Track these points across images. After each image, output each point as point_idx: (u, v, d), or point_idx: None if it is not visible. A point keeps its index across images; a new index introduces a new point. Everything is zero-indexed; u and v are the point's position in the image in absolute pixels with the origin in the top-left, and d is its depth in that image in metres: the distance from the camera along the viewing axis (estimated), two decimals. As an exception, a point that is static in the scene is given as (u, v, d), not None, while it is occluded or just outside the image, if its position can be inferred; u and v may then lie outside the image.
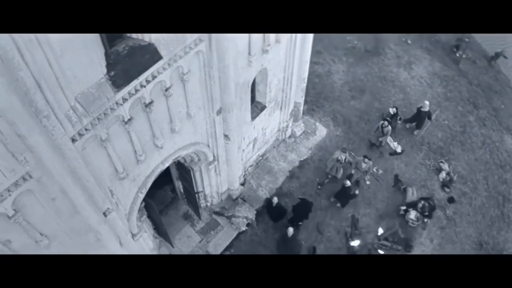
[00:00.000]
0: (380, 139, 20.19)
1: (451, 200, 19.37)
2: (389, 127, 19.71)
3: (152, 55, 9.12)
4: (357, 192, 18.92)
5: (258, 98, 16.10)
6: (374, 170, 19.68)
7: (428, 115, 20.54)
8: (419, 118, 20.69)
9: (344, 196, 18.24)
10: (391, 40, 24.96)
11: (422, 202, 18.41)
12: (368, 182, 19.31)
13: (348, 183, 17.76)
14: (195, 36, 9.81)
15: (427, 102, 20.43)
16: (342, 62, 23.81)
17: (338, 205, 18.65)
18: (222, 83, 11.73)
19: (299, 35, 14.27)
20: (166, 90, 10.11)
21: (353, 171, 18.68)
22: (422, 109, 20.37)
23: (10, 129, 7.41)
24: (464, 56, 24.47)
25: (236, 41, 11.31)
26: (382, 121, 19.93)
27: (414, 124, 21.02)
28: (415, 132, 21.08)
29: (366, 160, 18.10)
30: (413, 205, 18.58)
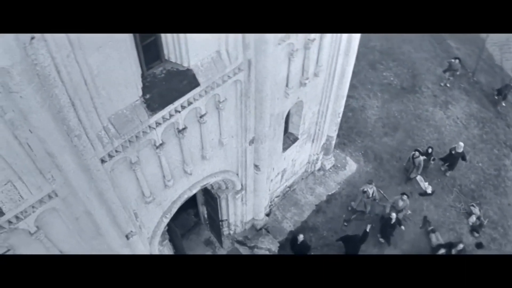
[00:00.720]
0: (411, 176, 19.71)
1: (479, 245, 18.62)
2: (420, 158, 19.18)
3: (189, 81, 8.92)
4: (403, 227, 18.32)
5: (291, 129, 15.83)
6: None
7: (462, 156, 19.94)
8: (452, 159, 20.09)
9: (389, 231, 17.72)
10: (429, 78, 24.54)
11: (444, 250, 17.74)
12: (403, 228, 18.59)
13: (394, 215, 17.22)
14: (234, 65, 9.61)
15: (461, 144, 19.81)
16: (377, 98, 23.46)
17: (382, 240, 18.16)
18: (258, 113, 11.49)
19: (338, 69, 14.04)
20: (201, 117, 9.90)
21: (387, 210, 18.12)
22: (456, 150, 19.80)
23: (40, 146, 7.26)
24: (504, 103, 23.80)
25: (276, 73, 11.07)
26: (413, 152, 19.43)
27: (446, 165, 20.45)
28: (448, 174, 20.50)
29: (404, 197, 17.62)
30: (435, 250, 17.95)
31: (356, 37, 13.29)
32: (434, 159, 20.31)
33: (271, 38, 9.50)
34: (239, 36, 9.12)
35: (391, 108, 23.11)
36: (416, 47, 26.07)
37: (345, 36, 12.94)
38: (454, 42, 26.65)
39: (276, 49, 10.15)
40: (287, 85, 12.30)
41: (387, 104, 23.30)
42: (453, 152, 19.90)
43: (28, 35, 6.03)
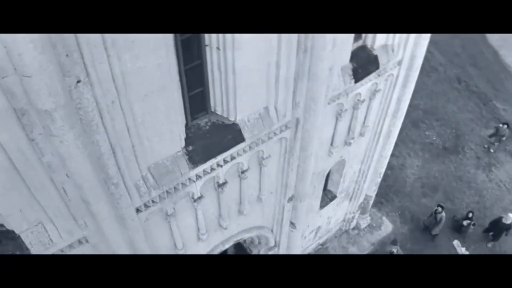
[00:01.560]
0: (432, 232, 18.90)
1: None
2: (443, 213, 18.36)
3: (234, 136, 8.55)
4: None
5: (330, 187, 15.34)
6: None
7: (508, 228, 18.85)
8: (498, 229, 18.99)
9: None
10: (472, 140, 23.75)
11: None
12: None
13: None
14: (282, 122, 9.24)
15: (510, 215, 18.61)
16: (418, 157, 22.77)
17: None
18: (300, 172, 11.04)
19: (384, 130, 13.60)
20: (242, 172, 9.49)
21: None
22: (502, 221, 18.71)
23: (76, 191, 6.93)
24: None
25: (323, 131, 10.66)
26: (436, 207, 18.62)
27: (491, 234, 19.39)
28: (489, 245, 19.44)
29: None
30: None
31: (406, 98, 12.86)
32: (474, 224, 19.30)
33: (322, 97, 9.13)
34: (289, 93, 8.76)
35: (432, 168, 22.38)
36: (460, 107, 25.39)
37: (395, 97, 12.53)
38: (501, 103, 25.85)
39: (326, 108, 9.75)
40: (331, 144, 11.89)
41: (428, 164, 22.58)
42: (499, 222, 18.90)
43: (74, 78, 5.76)
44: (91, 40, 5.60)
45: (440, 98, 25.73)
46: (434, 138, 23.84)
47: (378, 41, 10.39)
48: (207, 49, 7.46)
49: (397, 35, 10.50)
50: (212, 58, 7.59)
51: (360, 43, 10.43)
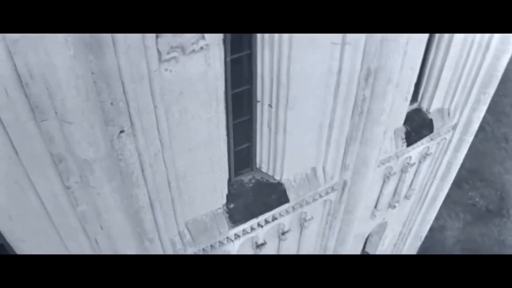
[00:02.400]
0: None
1: None
2: None
3: (279, 196, 8.05)
4: None
5: (367, 248, 14.67)
6: None
7: None
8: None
9: None
10: (518, 203, 22.78)
11: None
12: None
13: None
14: (328, 184, 8.71)
15: None
16: (459, 219, 21.80)
17: None
18: (341, 235, 10.44)
19: (430, 193, 13.01)
20: (283, 233, 8.93)
21: None
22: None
23: (108, 243, 6.47)
24: None
25: (367, 196, 10.10)
26: None
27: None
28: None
29: None
30: None
31: (458, 163, 12.31)
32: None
33: (373, 161, 8.64)
34: (339, 155, 8.26)
35: (473, 231, 21.33)
36: (507, 168, 24.36)
37: (445, 160, 11.98)
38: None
39: (375, 171, 9.23)
40: (375, 206, 11.32)
41: (469, 226, 21.55)
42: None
43: (118, 128, 5.41)
44: (138, 89, 5.28)
45: (486, 158, 24.78)
46: (477, 200, 22.87)
47: (434, 104, 9.87)
48: (258, 105, 7.09)
49: (455, 98, 9.99)
50: (262, 114, 7.21)
51: (415, 105, 9.96)
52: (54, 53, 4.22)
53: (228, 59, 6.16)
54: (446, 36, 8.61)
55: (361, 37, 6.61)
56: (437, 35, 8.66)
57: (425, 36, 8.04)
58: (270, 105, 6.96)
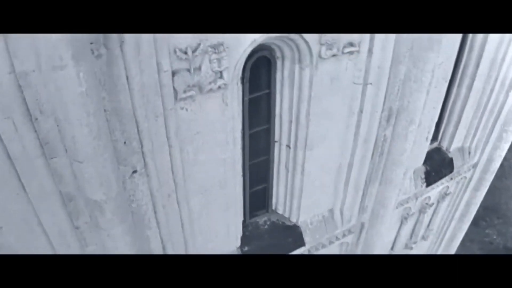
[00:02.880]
0: None
1: None
2: None
3: (295, 240, 7.76)
4: None
5: (383, 288, 14.19)
6: None
7: None
8: None
9: None
10: (538, 240, 22.26)
11: None
12: None
13: None
14: (345, 227, 8.42)
15: None
16: (475, 258, 21.33)
17: None
18: (358, 277, 10.13)
19: (448, 234, 12.71)
20: (300, 276, 8.64)
21: None
22: None
23: (118, 285, 6.25)
24: None
25: (384, 238, 9.79)
26: None
27: None
28: None
29: None
30: None
31: (477, 202, 12.09)
32: None
33: (392, 202, 8.36)
34: (358, 197, 8.00)
35: (490, 270, 20.84)
36: (525, 205, 24.01)
37: (464, 200, 11.69)
38: None
39: (393, 213, 8.94)
40: (392, 248, 11.00)
41: (486, 265, 21.05)
42: None
43: (130, 168, 5.21)
44: (153, 128, 5.09)
45: (503, 194, 24.31)
46: (495, 237, 22.39)
47: (455, 143, 9.61)
48: (276, 145, 6.88)
49: (476, 137, 9.74)
50: (280, 155, 6.99)
51: (435, 144, 9.69)
52: (65, 89, 4.04)
53: (246, 98, 5.99)
54: (469, 73, 8.41)
55: (384, 77, 6.42)
56: (460, 71, 8.45)
57: (448, 74, 7.82)
58: (288, 146, 6.75)
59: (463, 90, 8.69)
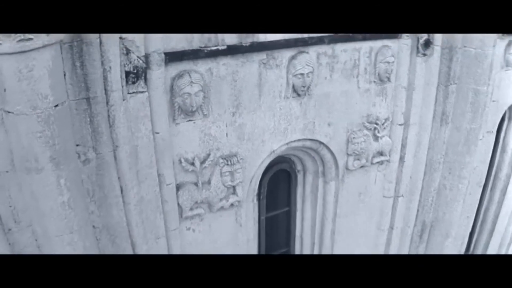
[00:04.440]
0: None
1: None
2: None
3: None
4: None
5: None
6: None
7: None
8: None
9: None
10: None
11: None
12: None
13: None
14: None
15: None
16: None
17: None
18: None
19: None
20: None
21: None
22: None
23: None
24: None
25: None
26: None
27: None
28: None
29: None
30: None
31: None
32: None
33: None
34: None
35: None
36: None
37: None
38: None
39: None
40: None
41: None
42: None
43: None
44: (153, 251, 4.45)
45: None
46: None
47: (489, 251, 8.81)
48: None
49: (512, 246, 8.93)
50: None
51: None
52: (43, 197, 3.42)
53: (263, 217, 5.31)
54: (502, 176, 7.71)
55: (416, 187, 5.73)
56: (492, 174, 7.75)
57: (482, 179, 7.09)
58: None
59: (497, 194, 7.95)
